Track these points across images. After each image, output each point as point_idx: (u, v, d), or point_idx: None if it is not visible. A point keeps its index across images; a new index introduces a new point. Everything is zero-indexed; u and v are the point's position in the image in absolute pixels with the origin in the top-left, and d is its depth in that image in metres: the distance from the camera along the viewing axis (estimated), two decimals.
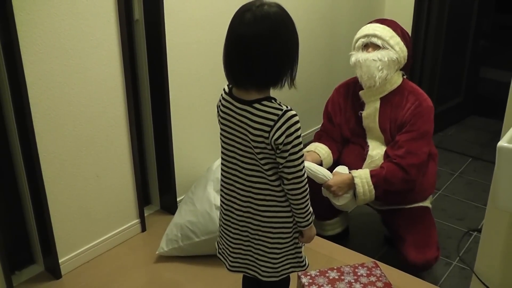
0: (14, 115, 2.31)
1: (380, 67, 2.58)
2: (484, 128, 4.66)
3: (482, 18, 4.55)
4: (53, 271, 2.58)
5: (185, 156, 3.08)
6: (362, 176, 2.63)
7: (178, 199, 3.09)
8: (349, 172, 2.66)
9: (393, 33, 2.62)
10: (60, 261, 2.58)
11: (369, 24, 2.70)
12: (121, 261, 2.72)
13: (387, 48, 2.59)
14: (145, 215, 2.99)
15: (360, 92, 2.74)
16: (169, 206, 3.10)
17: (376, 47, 2.61)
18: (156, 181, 3.10)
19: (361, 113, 2.76)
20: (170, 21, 2.73)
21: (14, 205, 2.50)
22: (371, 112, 2.72)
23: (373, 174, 2.62)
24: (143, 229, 2.96)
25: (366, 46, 2.65)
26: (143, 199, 2.95)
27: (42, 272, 2.62)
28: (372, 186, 2.61)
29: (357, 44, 2.69)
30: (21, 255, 2.60)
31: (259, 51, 1.58)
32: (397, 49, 2.60)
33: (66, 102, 2.40)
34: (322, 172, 2.59)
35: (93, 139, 2.57)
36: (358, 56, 2.64)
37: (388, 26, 2.65)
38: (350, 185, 2.64)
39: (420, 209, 2.78)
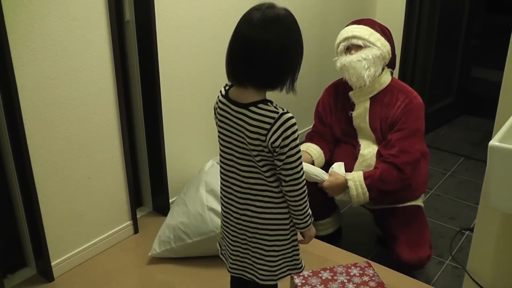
0: (5, 117, 2.30)
1: (366, 66, 2.59)
2: (475, 128, 4.68)
3: (474, 18, 4.57)
4: (46, 274, 2.57)
5: (177, 157, 3.07)
6: (356, 179, 2.63)
7: (170, 201, 3.09)
8: (344, 174, 2.67)
9: (372, 31, 2.63)
10: (52, 264, 2.57)
11: (346, 27, 2.70)
12: (114, 263, 2.72)
13: (369, 46, 2.60)
14: (138, 216, 2.98)
15: (350, 93, 2.74)
16: (162, 208, 3.09)
17: (358, 47, 2.62)
18: (148, 182, 3.09)
19: (351, 113, 2.77)
20: (161, 22, 2.72)
21: (5, 208, 2.49)
22: (361, 112, 2.73)
23: (367, 176, 2.62)
24: (136, 231, 2.96)
25: (348, 49, 2.65)
26: (135, 201, 2.94)
27: (34, 275, 2.61)
28: (366, 189, 2.62)
29: (339, 49, 2.70)
30: (13, 258, 2.59)
31: (264, 53, 1.58)
32: (379, 45, 2.60)
33: (57, 104, 2.39)
34: (315, 173, 2.60)
35: (84, 141, 2.56)
36: (342, 60, 2.65)
37: (365, 25, 2.66)
38: (344, 188, 2.65)
39: (412, 208, 2.79)
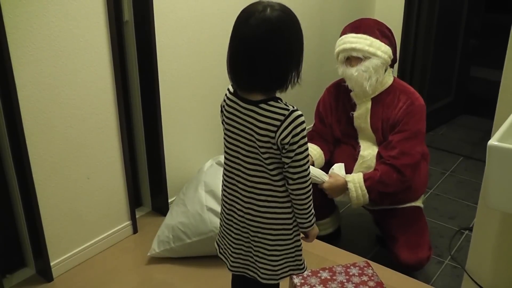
0: (4, 117, 2.30)
1: (367, 77, 2.58)
2: (474, 127, 4.68)
3: (472, 17, 4.57)
4: (45, 274, 2.57)
5: (176, 157, 3.07)
6: (356, 180, 2.63)
7: (169, 201, 3.08)
8: (344, 176, 2.67)
9: (371, 39, 2.58)
10: (51, 264, 2.57)
11: (344, 36, 2.64)
12: (113, 263, 2.72)
13: (369, 57, 2.57)
14: (137, 216, 2.98)
15: (352, 94, 2.74)
16: (161, 208, 3.09)
17: (358, 59, 2.59)
18: (147, 182, 3.09)
19: (352, 114, 2.76)
20: (160, 22, 2.72)
21: (4, 208, 2.49)
22: (362, 112, 2.73)
23: (366, 178, 2.62)
24: (135, 230, 2.95)
25: (349, 59, 2.63)
26: (134, 201, 2.94)
27: (33, 275, 2.61)
28: (366, 191, 2.62)
29: (339, 58, 2.67)
30: (12, 258, 2.58)
31: (263, 55, 1.57)
32: (379, 54, 2.57)
33: (57, 104, 2.39)
34: (316, 174, 2.59)
35: (83, 141, 2.56)
36: (343, 70, 2.64)
37: (365, 32, 2.60)
38: (344, 189, 2.64)
39: (412, 209, 2.79)
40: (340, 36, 2.70)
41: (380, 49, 2.58)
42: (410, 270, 2.70)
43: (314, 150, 2.82)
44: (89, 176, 2.64)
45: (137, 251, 2.82)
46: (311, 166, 2.60)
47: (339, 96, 2.83)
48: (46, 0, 2.22)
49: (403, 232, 2.71)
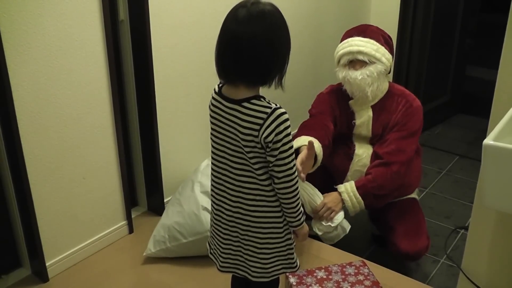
0: None
1: (370, 82, 2.57)
2: (470, 126, 4.68)
3: (468, 17, 4.57)
4: (40, 274, 2.56)
5: (172, 157, 3.07)
6: (349, 189, 2.64)
7: (165, 200, 3.08)
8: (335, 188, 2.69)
9: (378, 45, 2.58)
10: (47, 264, 2.56)
11: (351, 39, 2.62)
12: (109, 263, 2.71)
13: (374, 63, 2.57)
14: (132, 216, 2.97)
15: (350, 102, 2.73)
16: (156, 208, 3.09)
17: (363, 63, 2.58)
18: (143, 182, 3.08)
19: (354, 123, 2.75)
20: (155, 22, 2.71)
21: None
22: (364, 120, 2.72)
23: (358, 186, 2.64)
24: (131, 230, 2.95)
25: (352, 63, 2.61)
26: (130, 201, 2.93)
27: (29, 276, 2.60)
28: (360, 197, 2.63)
29: (341, 61, 2.64)
30: (8, 258, 2.58)
31: (251, 50, 1.58)
32: (384, 60, 2.58)
33: (52, 103, 2.38)
34: (316, 193, 2.60)
35: (79, 141, 2.55)
36: (345, 74, 2.61)
37: (371, 37, 2.60)
38: (341, 201, 2.65)
39: (407, 200, 2.81)
40: (343, 39, 2.68)
41: (384, 55, 2.59)
42: (410, 259, 2.71)
43: (314, 138, 2.71)
44: (85, 176, 2.63)
45: (132, 251, 2.81)
46: (310, 185, 2.61)
47: (338, 102, 2.80)
48: None
49: (401, 222, 2.72)
